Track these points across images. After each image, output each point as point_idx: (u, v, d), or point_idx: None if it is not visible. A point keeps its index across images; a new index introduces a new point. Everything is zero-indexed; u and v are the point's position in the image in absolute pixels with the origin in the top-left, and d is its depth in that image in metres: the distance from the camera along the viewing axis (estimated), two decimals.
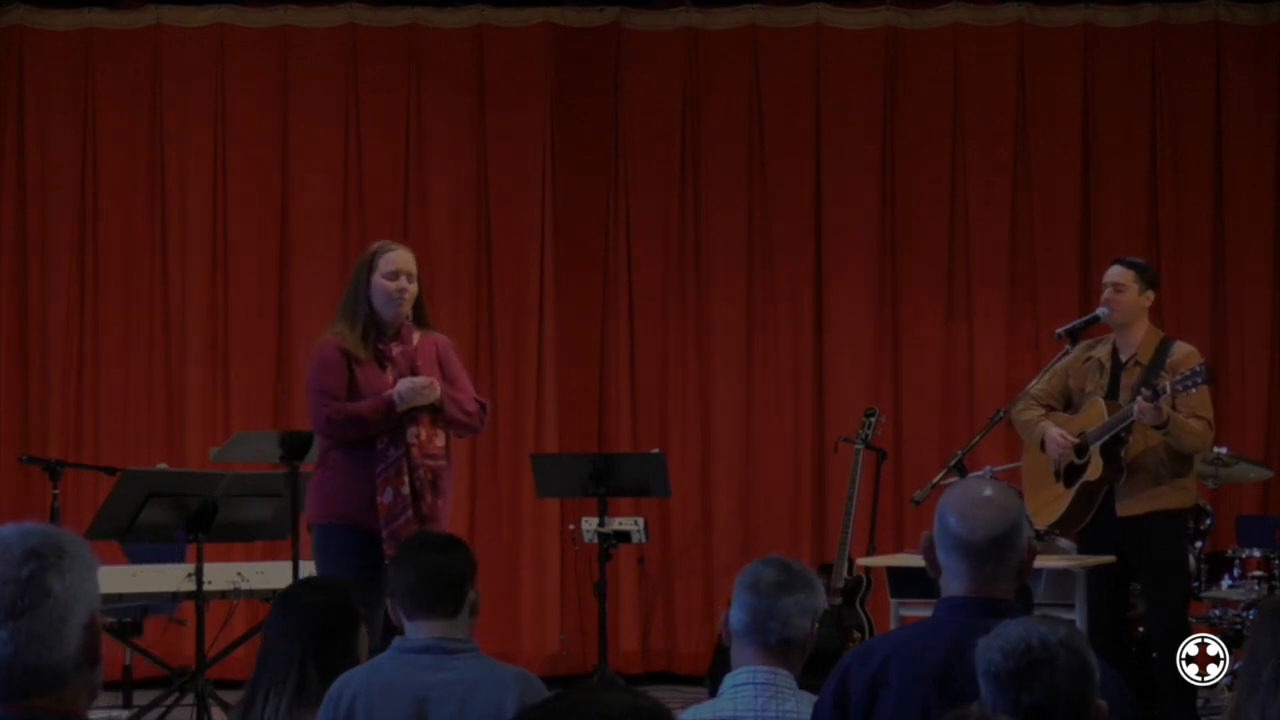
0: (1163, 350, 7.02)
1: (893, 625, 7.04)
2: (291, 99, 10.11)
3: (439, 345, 6.44)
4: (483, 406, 6.46)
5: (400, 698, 4.06)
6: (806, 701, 3.81)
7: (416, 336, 6.38)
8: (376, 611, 5.38)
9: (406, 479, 6.18)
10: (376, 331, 6.32)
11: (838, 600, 8.86)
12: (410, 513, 6.17)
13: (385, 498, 6.18)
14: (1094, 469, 6.93)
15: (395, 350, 6.28)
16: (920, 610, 6.49)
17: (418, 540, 4.26)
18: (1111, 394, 7.02)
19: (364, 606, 4.38)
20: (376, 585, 5.96)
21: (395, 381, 6.24)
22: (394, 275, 6.29)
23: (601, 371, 10.18)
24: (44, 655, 2.38)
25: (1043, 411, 7.15)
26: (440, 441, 6.28)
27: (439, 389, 6.24)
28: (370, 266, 6.33)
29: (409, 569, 4.17)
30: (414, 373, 6.26)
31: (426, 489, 6.20)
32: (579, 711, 1.99)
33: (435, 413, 6.25)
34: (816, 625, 3.90)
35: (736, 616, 3.87)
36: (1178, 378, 6.73)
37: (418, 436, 6.22)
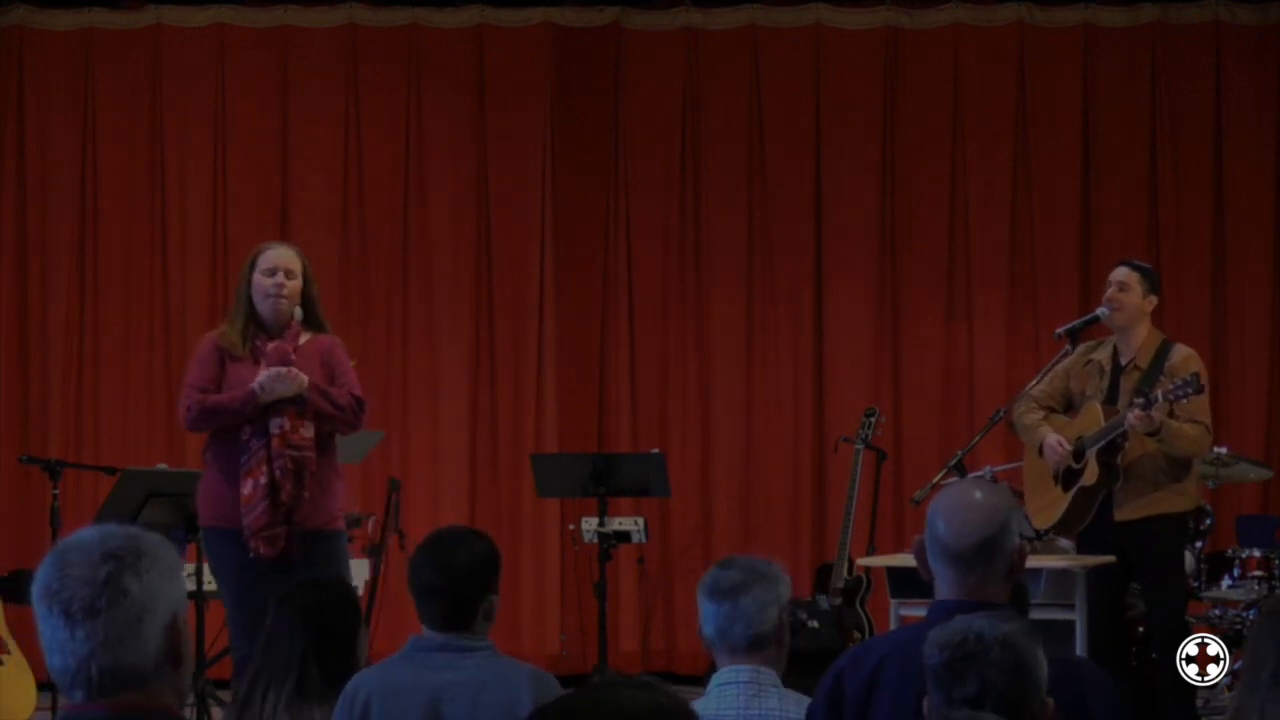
0: (1162, 353, 7.01)
1: (893, 625, 7.03)
2: (291, 99, 10.11)
3: (327, 345, 6.41)
4: (358, 401, 6.35)
5: (414, 697, 4.06)
6: (791, 700, 3.85)
7: (305, 337, 6.36)
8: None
9: (266, 469, 6.16)
10: (257, 329, 6.32)
11: (838, 600, 8.86)
12: (267, 503, 6.14)
13: (245, 489, 6.17)
14: (1090, 475, 6.93)
15: (270, 346, 6.27)
16: (920, 610, 6.47)
17: (427, 553, 4.17)
18: (1111, 398, 7.02)
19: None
20: (256, 586, 5.90)
21: None
22: (271, 271, 6.29)
23: (601, 371, 10.18)
24: (121, 656, 2.39)
25: (1043, 414, 7.15)
26: (307, 433, 6.23)
27: (304, 378, 6.20)
28: (252, 265, 6.35)
29: (414, 580, 4.15)
30: (286, 365, 6.24)
31: (287, 479, 6.16)
32: (600, 708, 1.98)
33: (301, 403, 6.23)
34: (785, 614, 3.92)
35: (703, 626, 3.92)
36: (1169, 387, 6.72)
37: (281, 427, 6.19)
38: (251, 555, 6.13)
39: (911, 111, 10.12)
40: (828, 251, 10.13)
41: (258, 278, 6.30)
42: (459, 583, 4.08)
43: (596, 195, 10.20)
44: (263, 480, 6.15)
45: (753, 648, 3.88)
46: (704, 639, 3.97)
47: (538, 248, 10.09)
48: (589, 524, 8.59)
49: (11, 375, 9.98)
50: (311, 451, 6.24)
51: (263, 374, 6.18)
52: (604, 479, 8.31)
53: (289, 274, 6.30)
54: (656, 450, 9.04)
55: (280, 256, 6.33)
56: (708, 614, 3.92)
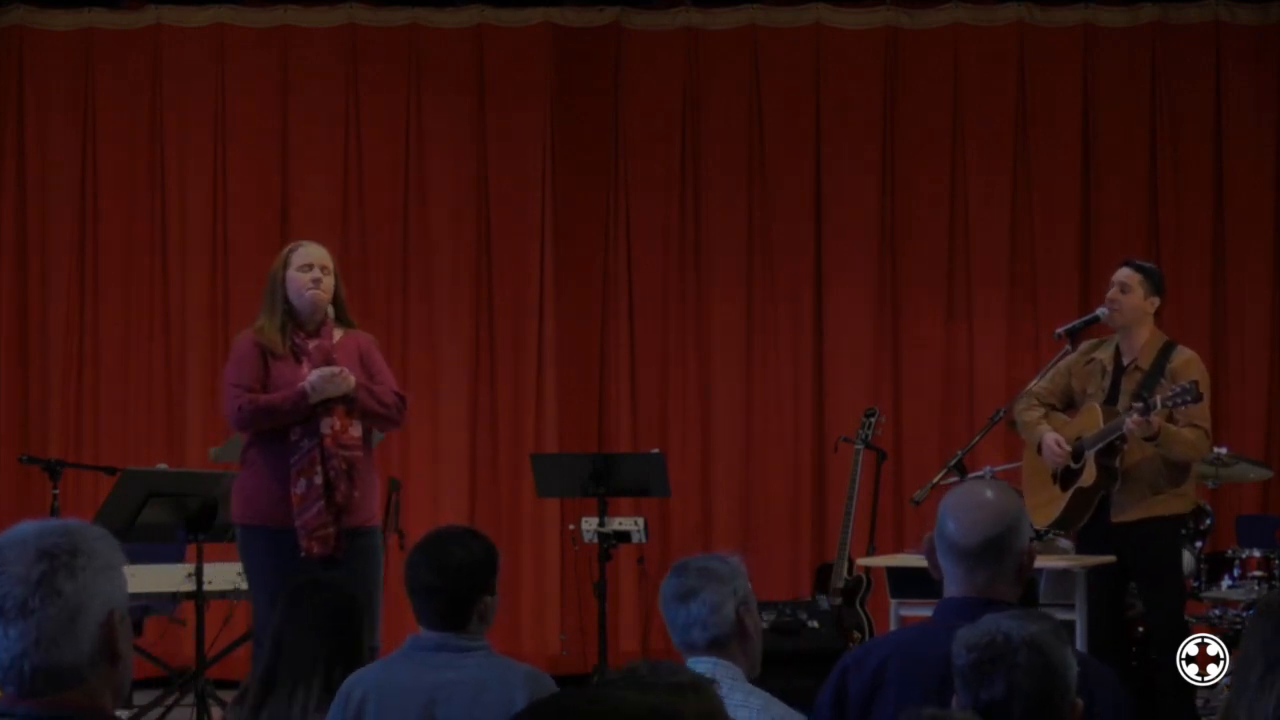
0: (1164, 355, 6.99)
1: (893, 625, 7.03)
2: (291, 99, 10.11)
3: (361, 342, 6.45)
4: (402, 399, 6.42)
5: (411, 696, 4.06)
6: (740, 691, 3.87)
7: (339, 334, 6.39)
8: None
9: (320, 469, 6.17)
10: (294, 326, 6.33)
11: (838, 601, 8.86)
12: (322, 503, 6.15)
13: (298, 488, 6.17)
14: (1088, 476, 6.92)
15: (311, 345, 6.29)
16: (920, 610, 6.49)
17: (423, 552, 4.17)
18: (1112, 398, 7.01)
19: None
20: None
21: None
22: (307, 267, 6.32)
23: (601, 371, 10.18)
24: (54, 654, 2.40)
25: (1043, 411, 7.14)
26: (356, 432, 6.26)
27: (352, 378, 6.23)
28: (285, 263, 6.37)
29: (410, 579, 4.15)
30: (330, 365, 6.26)
31: (341, 479, 6.18)
32: (595, 706, 1.97)
33: (350, 403, 6.24)
34: (744, 609, 3.95)
35: (670, 634, 3.99)
36: (1167, 394, 6.72)
37: (332, 427, 6.21)
38: (303, 555, 6.13)
39: (911, 111, 10.12)
40: (828, 251, 10.13)
41: (294, 274, 6.32)
42: (454, 582, 4.08)
43: (596, 195, 10.20)
44: (317, 480, 6.16)
45: (714, 647, 3.94)
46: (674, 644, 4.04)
47: (538, 248, 10.09)
48: (589, 524, 8.57)
49: (11, 375, 9.98)
50: (360, 451, 6.28)
51: (313, 374, 6.19)
52: (604, 479, 8.30)
53: (325, 270, 6.34)
54: (656, 450, 9.02)
55: (315, 253, 6.36)
56: (667, 620, 3.99)
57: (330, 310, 6.37)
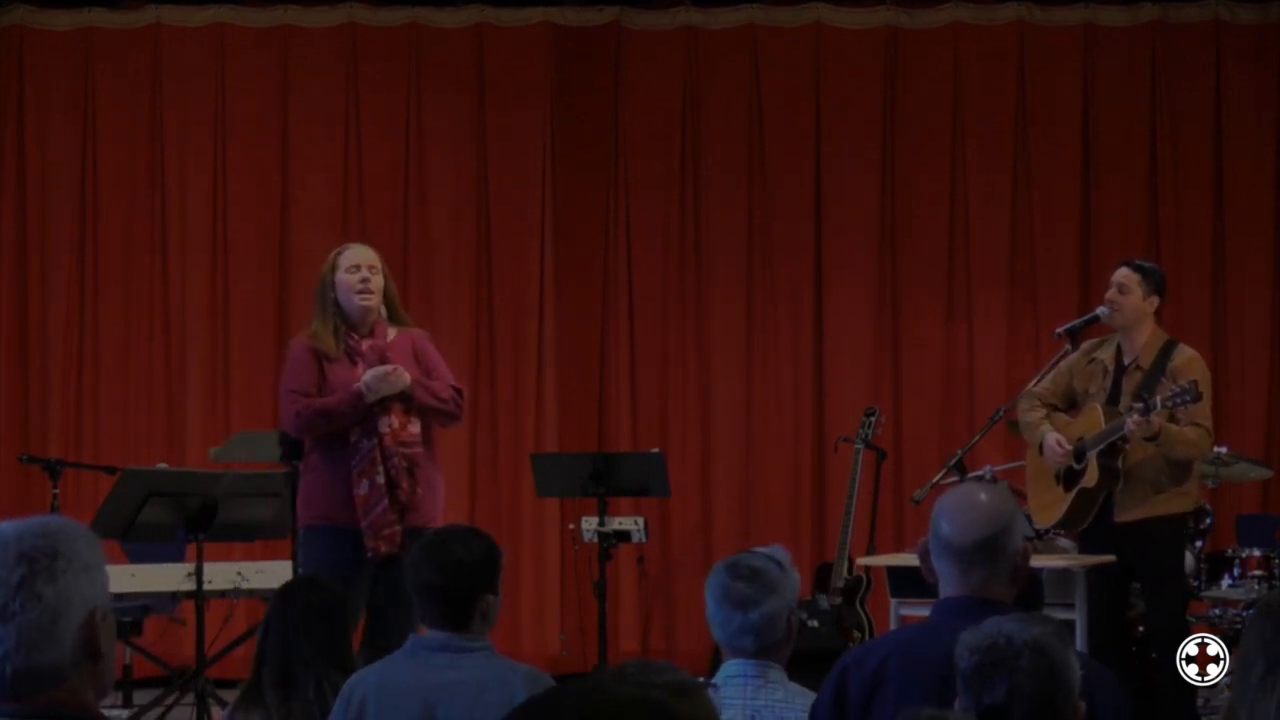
0: (1165, 354, 7.00)
1: (893, 625, 7.04)
2: (291, 99, 10.11)
3: (415, 339, 6.48)
4: (459, 392, 6.45)
5: (411, 696, 4.07)
6: (796, 693, 3.90)
7: (392, 333, 6.41)
8: (356, 609, 5.40)
9: (381, 468, 6.20)
10: (347, 328, 6.35)
11: (838, 600, 8.86)
12: (386, 502, 6.18)
13: (361, 489, 6.19)
14: (1090, 476, 6.92)
15: (365, 345, 6.32)
16: (920, 610, 6.49)
17: (425, 550, 4.18)
18: (1113, 398, 7.01)
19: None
20: (357, 583, 5.99)
21: None
22: (354, 269, 6.35)
23: (601, 371, 10.18)
24: (35, 657, 2.41)
25: (1045, 412, 7.14)
26: (415, 429, 6.29)
27: (407, 376, 6.25)
28: (333, 266, 6.40)
29: (413, 578, 4.15)
30: (384, 364, 6.28)
31: (402, 477, 6.21)
32: (586, 703, 1.97)
33: (407, 401, 6.27)
34: (793, 617, 3.96)
35: (714, 629, 3.96)
36: (1167, 394, 6.72)
37: (390, 425, 6.23)
38: (370, 554, 6.16)
39: (911, 111, 10.12)
40: (828, 251, 10.13)
41: (342, 276, 6.34)
42: (455, 581, 4.08)
43: (596, 195, 10.20)
44: (379, 480, 6.19)
45: (760, 654, 3.94)
46: (714, 637, 4.03)
47: (538, 247, 10.09)
48: (589, 524, 8.57)
49: (11, 375, 9.98)
50: (420, 447, 6.31)
51: (367, 374, 6.22)
52: (604, 479, 8.30)
53: (373, 269, 6.36)
54: (656, 450, 9.02)
55: (362, 254, 6.40)
56: (717, 620, 3.96)
57: (382, 310, 6.40)
